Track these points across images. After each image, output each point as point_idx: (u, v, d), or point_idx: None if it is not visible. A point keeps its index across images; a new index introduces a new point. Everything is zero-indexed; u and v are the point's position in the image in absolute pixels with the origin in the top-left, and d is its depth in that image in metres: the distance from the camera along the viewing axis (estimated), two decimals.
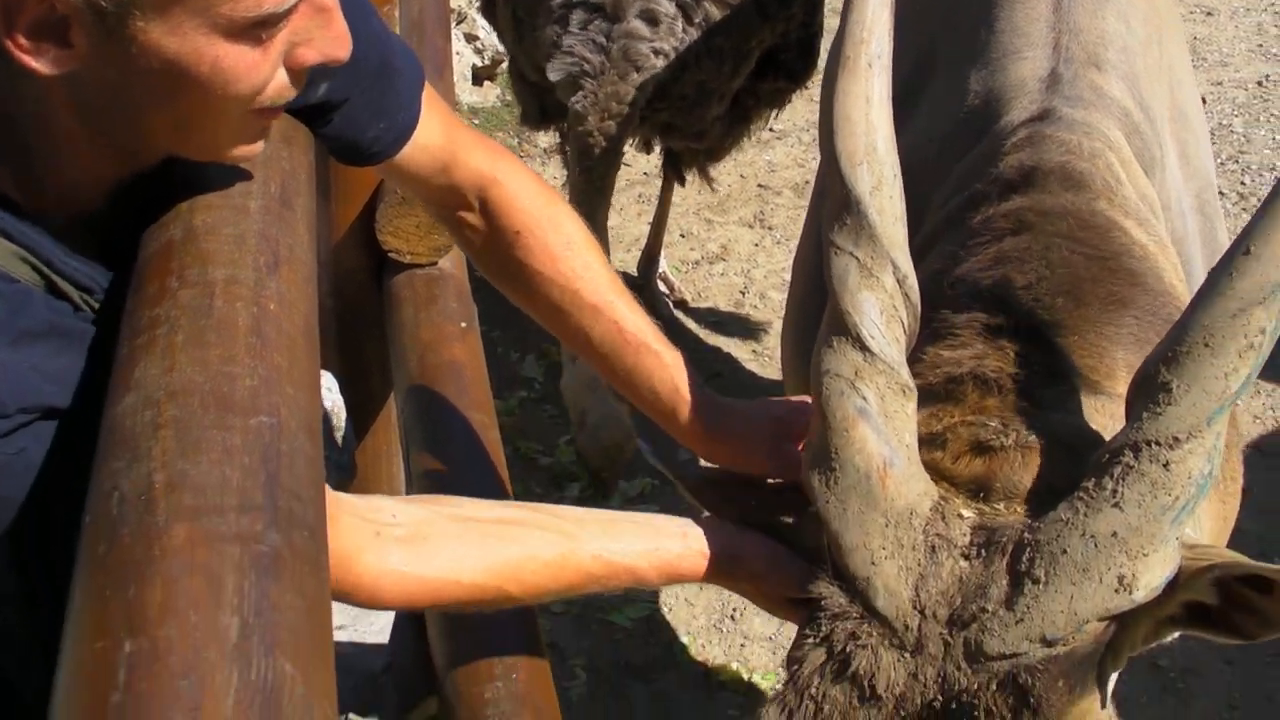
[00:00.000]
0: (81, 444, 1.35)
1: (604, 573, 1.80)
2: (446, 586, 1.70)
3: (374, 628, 2.53)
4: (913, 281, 1.77)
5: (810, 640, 1.67)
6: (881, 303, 1.73)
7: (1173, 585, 1.63)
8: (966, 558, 1.65)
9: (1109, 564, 1.58)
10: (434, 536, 1.70)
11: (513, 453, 5.06)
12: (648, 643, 4.55)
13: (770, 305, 6.08)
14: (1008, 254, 2.05)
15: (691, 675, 4.47)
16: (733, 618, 4.60)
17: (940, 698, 1.62)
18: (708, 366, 5.70)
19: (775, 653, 4.42)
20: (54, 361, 1.46)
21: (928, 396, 1.86)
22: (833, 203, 1.78)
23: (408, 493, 2.66)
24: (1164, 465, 1.57)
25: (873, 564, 1.66)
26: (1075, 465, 1.70)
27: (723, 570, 1.88)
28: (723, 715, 4.35)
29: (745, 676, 4.43)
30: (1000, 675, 1.59)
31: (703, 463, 2.12)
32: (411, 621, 2.44)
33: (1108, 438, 1.73)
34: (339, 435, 3.19)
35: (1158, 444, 1.58)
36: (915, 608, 1.64)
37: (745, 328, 5.97)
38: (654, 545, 1.83)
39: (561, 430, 5.35)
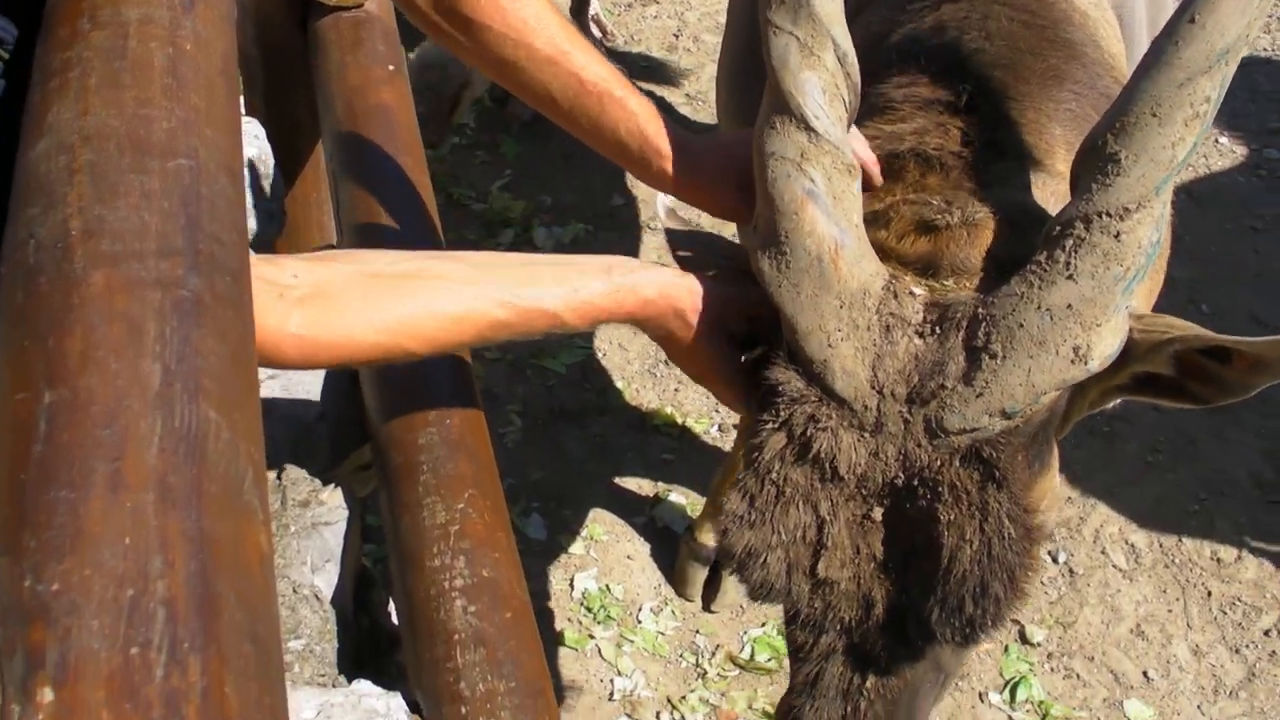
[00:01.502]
0: None
1: (514, 319, 1.73)
2: (346, 346, 1.67)
3: (306, 376, 2.52)
4: (853, 59, 1.73)
5: (769, 425, 1.68)
6: (824, 82, 1.69)
7: (1125, 355, 1.65)
8: (921, 335, 1.65)
9: (1064, 335, 1.59)
10: (333, 295, 1.67)
11: (445, 199, 5.03)
12: (582, 388, 4.58)
13: (704, 48, 6.00)
14: (946, 23, 2.00)
15: (625, 419, 4.52)
16: (666, 363, 4.63)
17: (902, 475, 1.64)
18: None
19: (708, 397, 4.47)
20: None
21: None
22: None
23: (338, 241, 2.63)
24: (1115, 236, 1.57)
25: (829, 346, 1.66)
26: (1021, 240, 1.70)
27: (654, 306, 1.81)
28: (656, 459, 4.41)
29: (679, 420, 4.48)
30: (962, 450, 1.61)
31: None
32: (344, 371, 2.43)
33: (1051, 213, 1.73)
34: (267, 183, 3.14)
35: (1108, 215, 1.57)
36: (873, 387, 1.64)
37: (678, 71, 5.90)
38: (572, 286, 1.76)
39: (494, 175, 5.31)
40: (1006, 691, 3.86)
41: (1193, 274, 4.74)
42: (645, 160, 1.98)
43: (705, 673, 3.91)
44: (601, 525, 4.22)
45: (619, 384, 4.59)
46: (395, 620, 2.19)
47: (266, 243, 3.07)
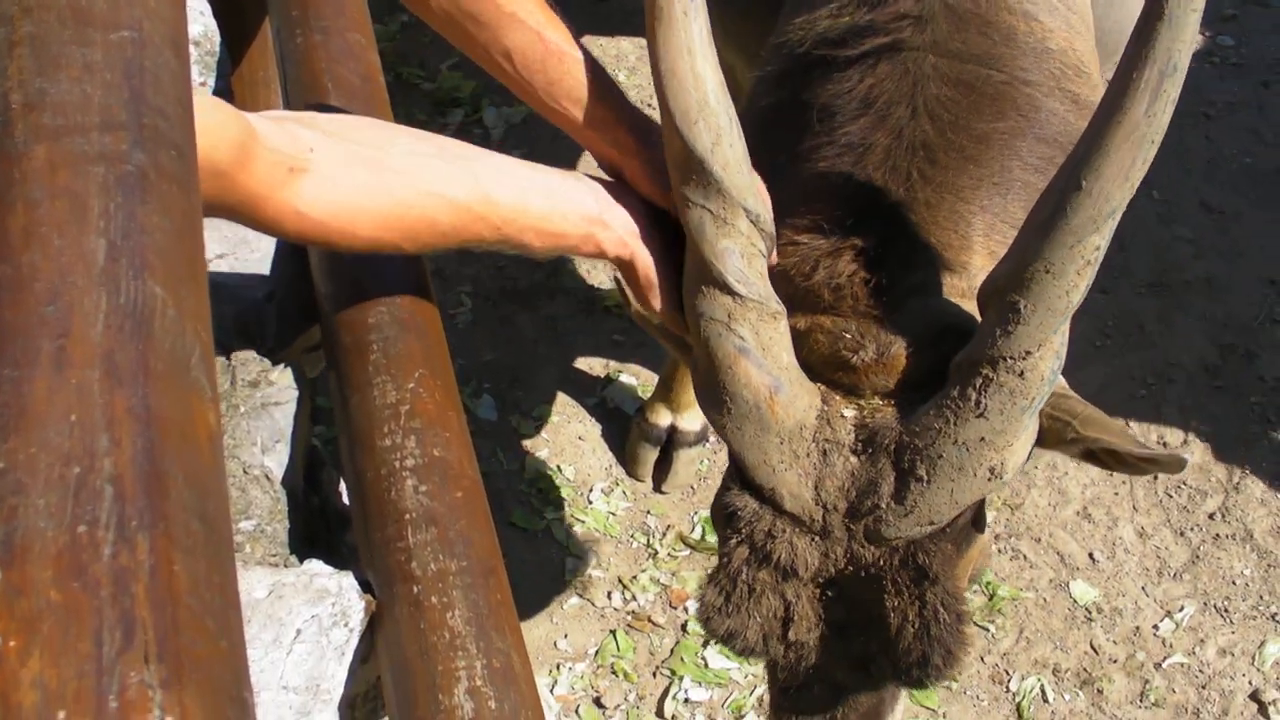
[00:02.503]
0: None
1: (498, 239, 1.84)
2: (343, 232, 1.72)
3: (255, 256, 2.49)
4: (767, 216, 1.83)
5: (734, 539, 1.90)
6: (741, 247, 1.81)
7: (1037, 443, 1.88)
8: (855, 453, 1.85)
9: (980, 460, 1.79)
10: (344, 184, 1.69)
11: (394, 78, 4.97)
12: (533, 269, 4.56)
13: None
14: (873, 96, 2.03)
15: (577, 300, 4.52)
16: None
17: (851, 568, 1.87)
18: None
19: None
20: None
21: (789, 284, 1.95)
22: (677, 158, 1.80)
23: None
24: (1019, 374, 1.74)
25: (775, 475, 1.86)
26: (936, 353, 1.86)
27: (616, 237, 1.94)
28: (607, 340, 4.41)
29: None
30: (901, 552, 1.84)
31: None
32: (294, 250, 2.41)
33: (964, 307, 1.90)
34: (213, 60, 3.09)
35: (1012, 358, 1.73)
36: (818, 504, 1.86)
37: None
38: (552, 203, 1.86)
39: (444, 54, 5.24)
40: None
41: None
42: (607, 119, 1.98)
43: (656, 553, 3.94)
44: (553, 406, 4.22)
45: (570, 264, 4.57)
46: (346, 500, 2.19)
47: None
